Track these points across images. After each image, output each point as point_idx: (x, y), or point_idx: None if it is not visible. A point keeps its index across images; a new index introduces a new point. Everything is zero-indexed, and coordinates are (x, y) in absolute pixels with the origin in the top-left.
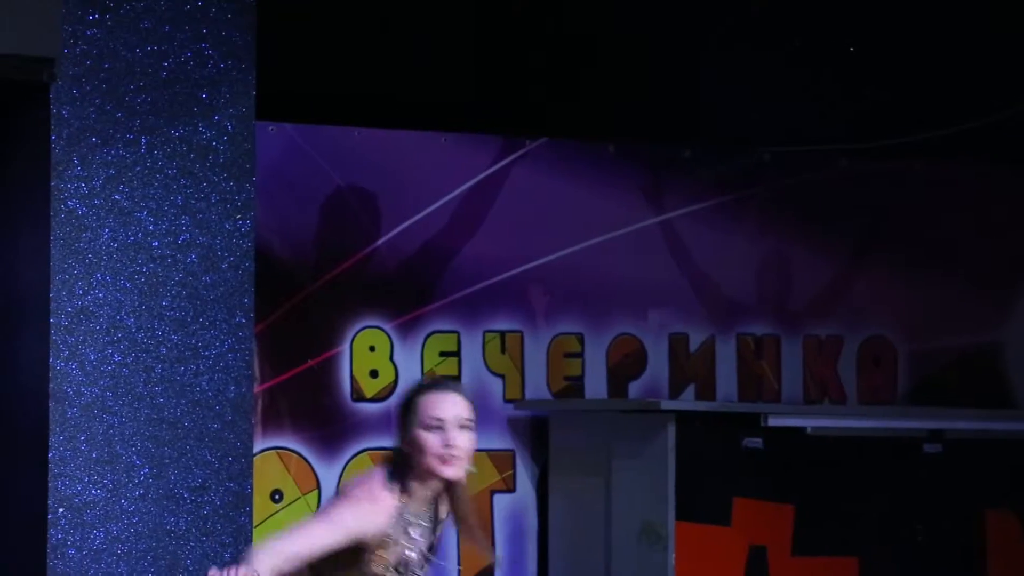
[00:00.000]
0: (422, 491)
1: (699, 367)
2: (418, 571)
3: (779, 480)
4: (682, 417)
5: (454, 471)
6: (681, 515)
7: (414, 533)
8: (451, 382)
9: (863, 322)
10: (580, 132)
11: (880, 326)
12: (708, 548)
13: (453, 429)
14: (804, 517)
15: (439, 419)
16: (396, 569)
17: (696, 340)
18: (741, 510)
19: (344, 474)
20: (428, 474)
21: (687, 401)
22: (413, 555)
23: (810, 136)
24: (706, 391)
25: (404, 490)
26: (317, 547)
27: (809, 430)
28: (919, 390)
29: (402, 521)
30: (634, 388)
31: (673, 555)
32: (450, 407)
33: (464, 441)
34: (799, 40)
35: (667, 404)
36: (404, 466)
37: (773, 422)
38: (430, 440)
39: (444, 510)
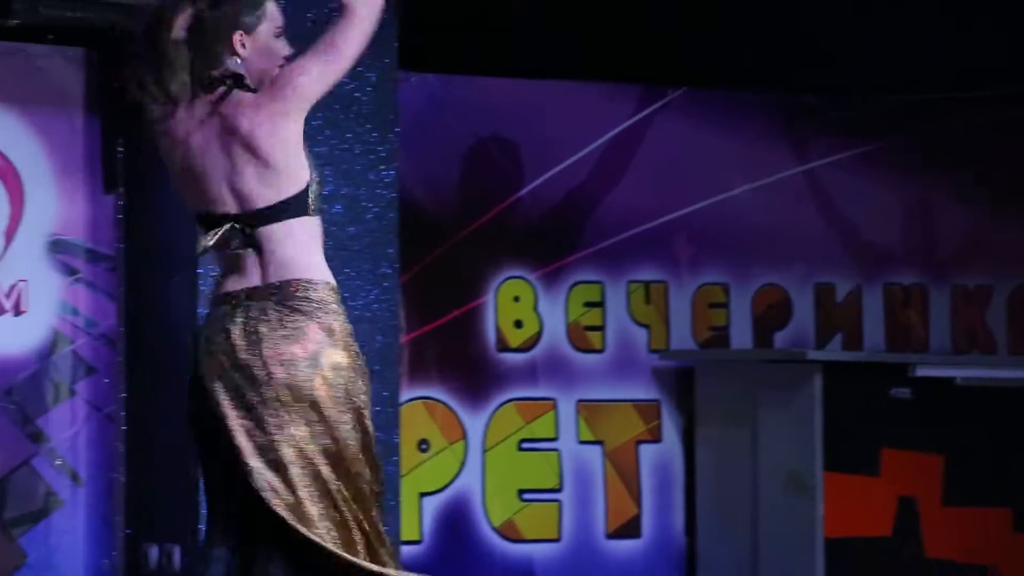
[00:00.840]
0: None
1: (846, 317)
2: None
3: (928, 431)
4: (829, 367)
5: None
6: (829, 465)
7: None
8: None
9: (1012, 271)
10: (721, 81)
11: None
12: (856, 498)
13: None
14: (953, 468)
15: (281, 28)
16: None
17: (843, 290)
18: (889, 460)
19: (490, 424)
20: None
21: (834, 351)
22: None
23: (954, 83)
24: (853, 341)
25: None
26: None
27: (958, 380)
28: None
29: None
30: (780, 338)
31: (821, 505)
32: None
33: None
34: None
35: (814, 354)
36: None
37: (921, 372)
38: (281, 48)
39: None
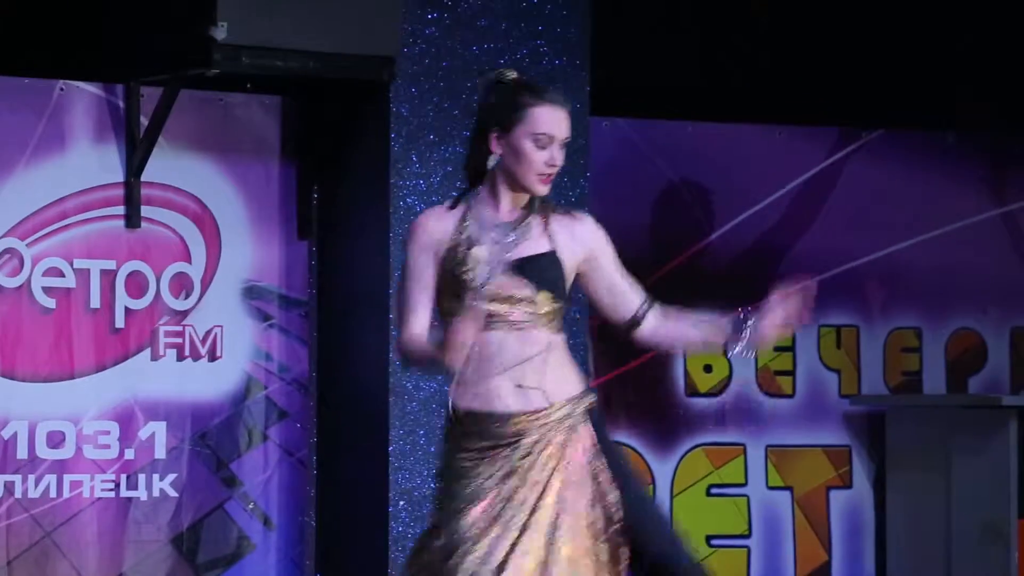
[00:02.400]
0: (507, 201)
1: None
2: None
3: None
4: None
5: (546, 188)
6: None
7: (492, 237)
8: (559, 95)
9: None
10: (918, 123)
11: None
12: None
13: (558, 148)
14: None
15: (550, 136)
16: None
17: None
18: None
19: (678, 469)
20: (519, 186)
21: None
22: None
23: None
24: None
25: (487, 195)
26: (421, 303)
27: None
28: None
29: (471, 227)
30: (974, 383)
31: (1016, 554)
32: (562, 125)
33: (562, 159)
34: None
35: (1009, 400)
36: (483, 167)
37: None
38: (536, 155)
39: (535, 224)
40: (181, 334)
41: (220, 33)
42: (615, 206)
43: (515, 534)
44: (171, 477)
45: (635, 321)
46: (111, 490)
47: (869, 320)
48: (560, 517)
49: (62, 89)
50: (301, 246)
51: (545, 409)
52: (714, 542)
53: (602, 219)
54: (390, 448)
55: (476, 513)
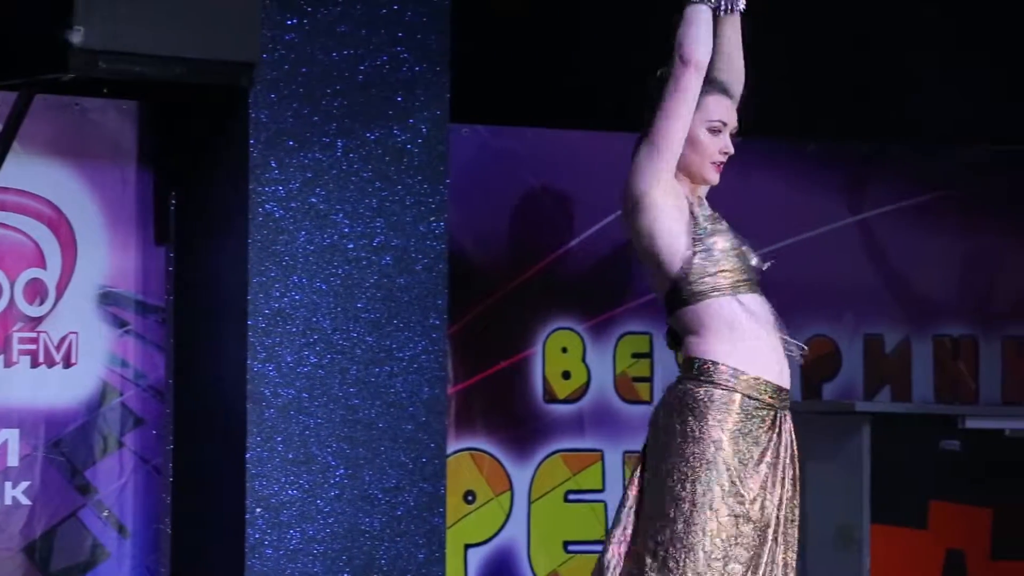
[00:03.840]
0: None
1: (895, 368)
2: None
3: (977, 483)
4: (877, 419)
5: (718, 177)
6: (876, 518)
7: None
8: (725, 85)
9: None
10: (778, 131)
11: None
12: (904, 552)
13: (727, 135)
14: (1003, 521)
15: (724, 122)
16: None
17: (892, 341)
18: (938, 513)
19: (536, 475)
20: (694, 174)
21: (882, 403)
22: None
23: (1010, 135)
24: (902, 392)
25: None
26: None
27: (1007, 432)
28: None
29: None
30: (828, 390)
31: (868, 558)
32: (732, 114)
33: (732, 148)
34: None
35: (862, 406)
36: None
37: (971, 424)
38: (711, 142)
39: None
40: (35, 340)
41: (76, 37)
42: (475, 213)
43: None
44: (24, 485)
45: None
46: None
47: None
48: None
49: None
50: (158, 252)
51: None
52: (571, 548)
53: (462, 226)
54: (247, 455)
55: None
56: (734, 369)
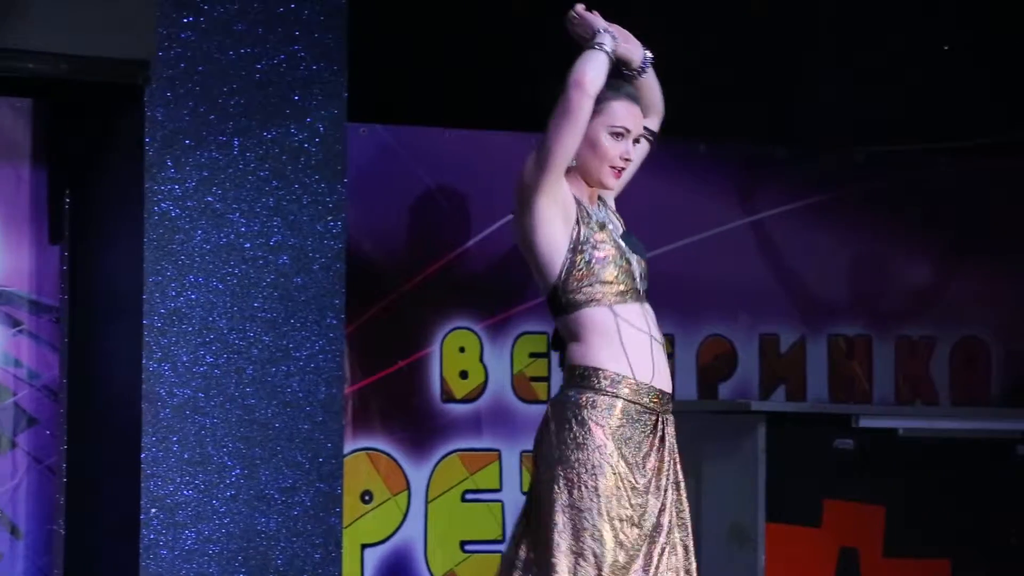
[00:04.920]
0: (584, 196)
1: (790, 368)
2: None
3: (870, 482)
4: (772, 418)
5: (616, 183)
6: (771, 516)
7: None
8: (634, 90)
9: (956, 323)
10: (671, 131)
11: (974, 327)
12: (798, 549)
13: (631, 142)
14: (895, 519)
15: (627, 129)
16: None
17: (787, 341)
18: (832, 511)
19: (433, 475)
20: (592, 177)
21: (778, 402)
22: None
23: (905, 135)
24: (797, 392)
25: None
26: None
27: (901, 431)
28: (1013, 391)
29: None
30: (724, 389)
31: (763, 556)
32: (637, 121)
33: (635, 155)
34: (895, 37)
35: (757, 405)
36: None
37: (864, 423)
38: (611, 147)
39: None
40: None
41: None
42: (373, 212)
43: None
44: None
45: None
46: None
47: None
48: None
49: None
50: (53, 251)
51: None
52: (468, 547)
53: (360, 225)
54: (143, 455)
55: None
56: (615, 374)
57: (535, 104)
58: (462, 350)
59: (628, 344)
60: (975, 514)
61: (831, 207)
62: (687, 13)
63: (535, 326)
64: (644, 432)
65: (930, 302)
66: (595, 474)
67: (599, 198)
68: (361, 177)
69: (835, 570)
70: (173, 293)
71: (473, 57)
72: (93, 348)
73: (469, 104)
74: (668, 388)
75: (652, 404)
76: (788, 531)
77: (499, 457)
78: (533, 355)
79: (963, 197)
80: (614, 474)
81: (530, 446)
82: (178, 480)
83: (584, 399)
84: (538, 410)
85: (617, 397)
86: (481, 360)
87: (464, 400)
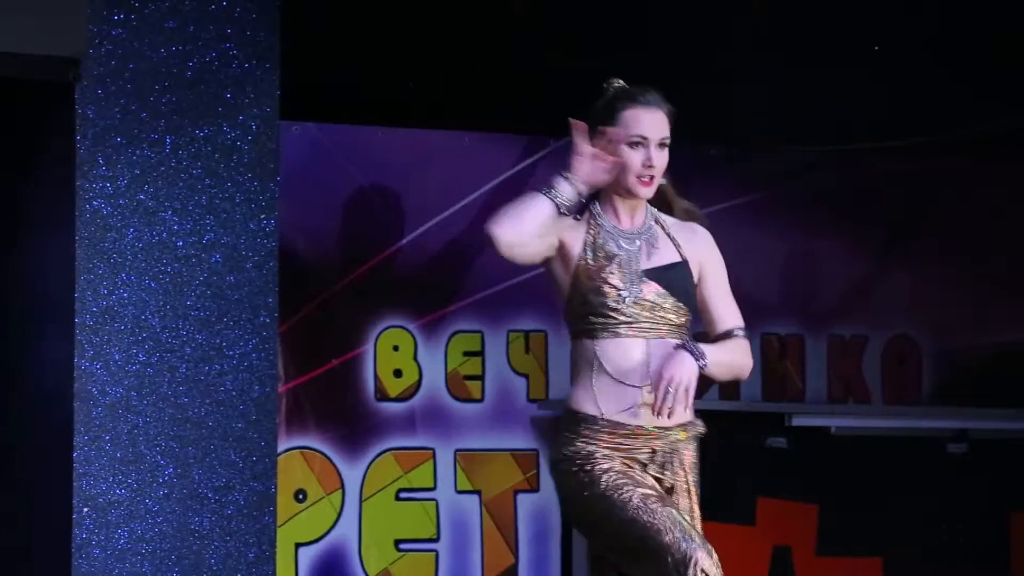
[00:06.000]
0: (624, 210)
1: None
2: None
3: (803, 480)
4: (706, 417)
5: (648, 191)
6: (705, 515)
7: (619, 245)
8: (655, 96)
9: (888, 322)
10: None
11: (905, 326)
12: (732, 548)
13: (654, 148)
14: (828, 517)
15: (643, 136)
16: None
17: None
18: (765, 510)
19: (367, 473)
20: (622, 188)
21: (711, 401)
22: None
23: (838, 135)
24: (730, 391)
25: (603, 206)
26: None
27: (833, 430)
28: (944, 390)
29: (601, 234)
30: None
31: None
32: (656, 126)
33: (661, 160)
34: (828, 38)
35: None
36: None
37: (797, 422)
38: (632, 158)
39: (659, 233)
40: None
41: None
42: (305, 211)
43: None
44: None
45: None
46: None
47: (557, 325)
48: None
49: None
50: None
51: None
52: (402, 546)
53: (293, 223)
54: (75, 454)
55: None
56: (585, 415)
57: (468, 102)
58: (396, 348)
59: (598, 382)
60: (907, 512)
61: (763, 206)
62: (623, 10)
63: (469, 325)
64: (635, 467)
65: (862, 301)
66: (600, 472)
67: (656, 220)
68: (294, 175)
69: (769, 569)
70: (105, 291)
71: (406, 55)
72: (24, 346)
73: (402, 102)
74: (659, 422)
75: (638, 439)
76: (722, 530)
77: (433, 456)
78: (467, 353)
79: (895, 197)
80: (619, 467)
81: (464, 445)
82: (111, 479)
83: (570, 451)
84: (472, 409)
85: (599, 445)
86: (415, 359)
87: (398, 399)
